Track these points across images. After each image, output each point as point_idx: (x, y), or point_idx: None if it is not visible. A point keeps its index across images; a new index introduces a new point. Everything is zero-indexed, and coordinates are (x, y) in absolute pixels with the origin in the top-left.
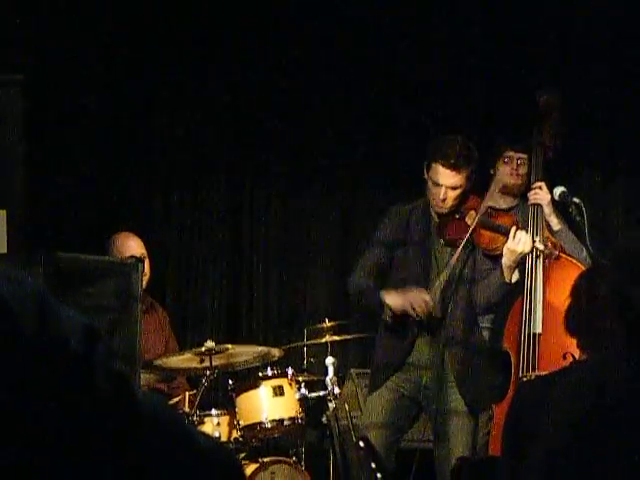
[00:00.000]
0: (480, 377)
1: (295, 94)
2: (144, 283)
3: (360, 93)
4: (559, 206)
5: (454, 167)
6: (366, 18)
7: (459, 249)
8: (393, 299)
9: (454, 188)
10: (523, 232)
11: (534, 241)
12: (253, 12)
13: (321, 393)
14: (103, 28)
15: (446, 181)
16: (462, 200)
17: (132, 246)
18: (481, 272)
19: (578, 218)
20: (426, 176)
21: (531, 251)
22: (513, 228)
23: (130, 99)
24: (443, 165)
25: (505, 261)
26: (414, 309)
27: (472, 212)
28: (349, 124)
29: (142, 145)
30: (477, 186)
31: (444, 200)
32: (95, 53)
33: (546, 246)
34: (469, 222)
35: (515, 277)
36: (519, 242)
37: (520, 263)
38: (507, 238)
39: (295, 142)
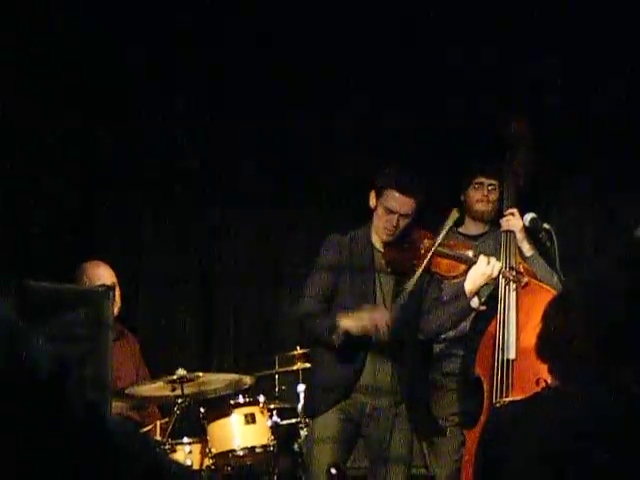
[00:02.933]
0: (428, 404)
1: (265, 123)
2: (115, 311)
3: (333, 119)
4: (529, 232)
5: (411, 194)
6: (322, 59)
7: (416, 277)
8: (351, 321)
9: (406, 216)
10: (493, 257)
11: (503, 267)
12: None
13: (293, 420)
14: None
15: (401, 208)
16: (407, 230)
17: (102, 274)
18: (430, 300)
19: (548, 244)
20: (374, 204)
21: (498, 276)
22: (481, 254)
23: (100, 127)
24: (401, 192)
25: (469, 285)
26: (376, 327)
27: (425, 241)
28: (322, 154)
29: (113, 173)
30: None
31: (396, 227)
32: (67, 81)
33: (514, 273)
34: (423, 250)
35: (475, 304)
36: (489, 266)
37: (481, 289)
38: (467, 265)
39: (267, 173)
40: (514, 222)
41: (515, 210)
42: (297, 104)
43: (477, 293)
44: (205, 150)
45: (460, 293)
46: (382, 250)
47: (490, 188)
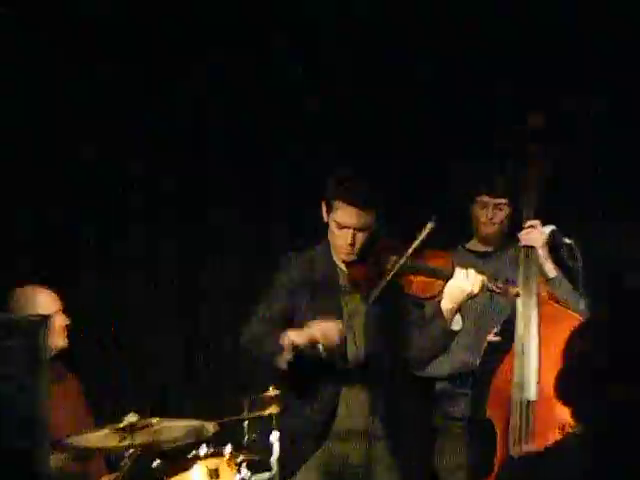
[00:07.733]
0: (414, 443)
1: (241, 147)
2: (62, 342)
3: (310, 141)
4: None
5: (362, 205)
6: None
7: (374, 293)
8: (297, 333)
9: (363, 230)
10: (472, 270)
11: (486, 281)
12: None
13: (265, 475)
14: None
15: (354, 222)
16: (371, 244)
17: (43, 301)
18: (408, 323)
19: (570, 262)
20: (326, 219)
21: (482, 291)
22: (457, 268)
23: (71, 150)
24: (350, 204)
25: (447, 304)
26: (326, 337)
27: (392, 257)
28: (300, 181)
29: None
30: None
31: (352, 245)
32: (36, 97)
33: (500, 285)
34: (389, 267)
35: (458, 325)
36: (469, 281)
37: (462, 307)
38: (444, 281)
39: (246, 204)
40: (535, 236)
41: (537, 222)
42: (277, 124)
43: (459, 311)
44: (182, 178)
45: (437, 313)
46: (345, 268)
47: (497, 208)
